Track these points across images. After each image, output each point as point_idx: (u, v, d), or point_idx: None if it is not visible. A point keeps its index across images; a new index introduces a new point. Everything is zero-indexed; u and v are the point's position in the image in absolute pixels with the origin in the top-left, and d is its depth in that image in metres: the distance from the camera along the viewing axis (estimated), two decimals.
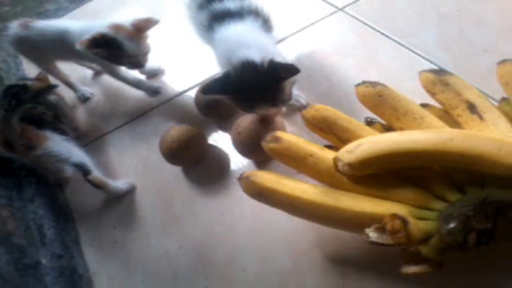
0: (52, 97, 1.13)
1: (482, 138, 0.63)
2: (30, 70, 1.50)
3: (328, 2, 1.26)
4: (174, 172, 1.05)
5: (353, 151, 0.69)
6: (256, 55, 0.85)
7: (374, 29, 1.15)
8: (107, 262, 0.96)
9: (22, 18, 1.25)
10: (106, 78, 1.34)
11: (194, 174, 1.04)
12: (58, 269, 0.92)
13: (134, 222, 1.00)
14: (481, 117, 0.73)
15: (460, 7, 1.08)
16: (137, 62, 1.13)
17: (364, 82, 0.81)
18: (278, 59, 0.87)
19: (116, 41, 1.07)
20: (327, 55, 1.14)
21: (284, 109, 1.01)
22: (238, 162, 1.00)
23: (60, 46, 1.17)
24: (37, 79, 1.15)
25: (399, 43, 1.08)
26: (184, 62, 1.33)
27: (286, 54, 1.15)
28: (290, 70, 0.82)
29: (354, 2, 1.23)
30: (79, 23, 1.16)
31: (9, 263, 0.84)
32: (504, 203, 0.60)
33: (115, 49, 1.07)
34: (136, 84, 1.27)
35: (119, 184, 1.06)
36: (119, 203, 1.05)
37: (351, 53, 1.12)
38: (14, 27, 1.22)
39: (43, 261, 0.92)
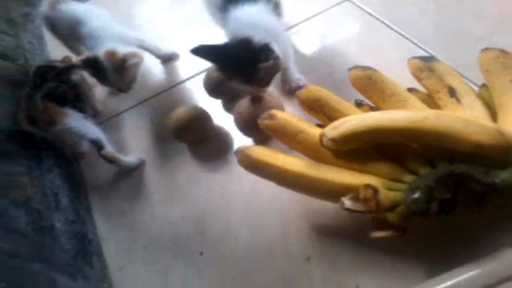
0: (74, 77, 1.21)
1: (452, 117, 0.68)
2: (55, 52, 1.58)
3: None
4: (180, 149, 1.13)
5: (336, 128, 0.75)
6: (258, 35, 0.92)
7: (377, 19, 1.19)
8: (114, 229, 1.04)
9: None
10: None
11: (199, 151, 1.11)
12: (70, 233, 1.00)
13: (142, 194, 1.07)
14: (459, 101, 0.78)
15: (459, 0, 1.12)
16: (118, 88, 1.20)
17: (356, 66, 0.87)
18: (284, 42, 0.95)
19: (103, 67, 1.13)
20: (332, 42, 1.20)
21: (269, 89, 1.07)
22: (240, 141, 1.07)
23: (73, 33, 1.25)
24: (62, 61, 1.22)
25: (399, 33, 1.13)
26: None
27: (294, 40, 1.22)
28: (265, 55, 0.89)
29: None
30: (97, 20, 1.24)
31: (27, 223, 0.92)
32: (466, 176, 0.65)
33: (100, 73, 1.15)
34: (153, 50, 1.36)
35: (130, 159, 1.13)
36: (129, 176, 1.13)
37: (354, 41, 1.17)
38: (44, 6, 1.30)
39: (57, 224, 1.00)
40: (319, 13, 1.30)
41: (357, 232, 0.77)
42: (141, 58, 1.17)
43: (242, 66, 0.92)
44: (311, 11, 1.31)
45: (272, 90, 1.12)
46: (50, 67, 1.15)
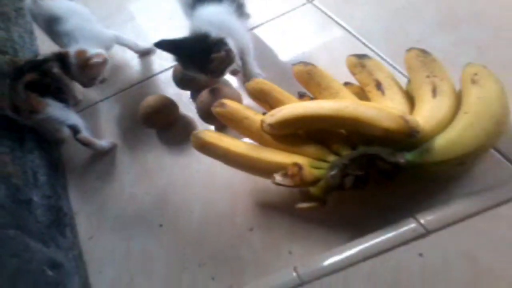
0: (55, 69, 1.31)
1: (368, 106, 0.80)
2: (43, 46, 1.70)
3: None
4: (149, 135, 1.24)
5: (273, 115, 0.87)
6: (215, 32, 1.04)
7: (333, 20, 1.30)
8: (87, 205, 1.15)
9: None
10: None
11: (166, 136, 1.22)
12: (46, 206, 1.11)
13: (113, 174, 1.19)
14: (383, 93, 0.89)
15: (405, 5, 1.23)
16: (81, 83, 1.31)
17: (299, 62, 0.97)
18: (241, 39, 1.07)
19: (69, 63, 1.23)
20: (290, 42, 1.31)
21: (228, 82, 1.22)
22: (202, 128, 1.18)
23: (49, 29, 1.35)
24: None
25: (351, 33, 1.23)
26: None
27: (259, 37, 1.33)
28: (217, 47, 1.01)
29: None
30: (74, 19, 1.32)
31: (7, 196, 1.03)
32: (375, 156, 0.77)
33: (66, 68, 1.25)
34: (130, 45, 1.48)
35: (103, 142, 1.25)
36: (103, 158, 1.24)
37: (311, 40, 1.28)
38: (28, 1, 1.39)
39: (35, 198, 1.11)
40: (283, 14, 1.40)
41: (293, 208, 0.87)
42: (105, 59, 1.26)
43: (197, 57, 1.04)
44: (277, 12, 1.42)
45: (231, 83, 1.24)
46: (32, 60, 1.26)
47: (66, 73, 1.26)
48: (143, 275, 0.97)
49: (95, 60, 1.23)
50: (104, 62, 1.26)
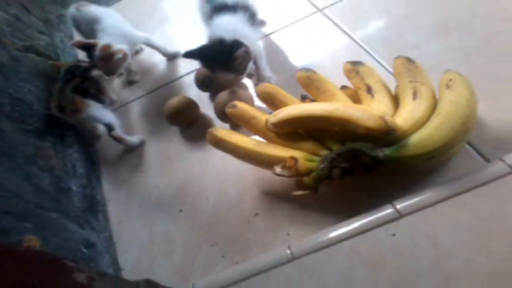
0: (94, 73, 1.49)
1: (355, 108, 0.92)
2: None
3: (311, 3, 1.55)
4: (173, 131, 1.39)
5: (276, 115, 1.01)
6: (228, 37, 1.18)
7: (339, 27, 1.42)
8: (117, 193, 1.32)
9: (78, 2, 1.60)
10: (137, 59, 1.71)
11: (188, 133, 1.37)
12: (82, 194, 1.27)
13: (141, 166, 1.35)
14: (372, 96, 1.01)
15: (406, 15, 1.34)
16: (104, 72, 1.46)
17: (302, 69, 1.10)
18: (252, 44, 1.21)
19: (93, 53, 1.40)
20: (300, 49, 1.43)
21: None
22: (220, 126, 1.32)
23: (91, 29, 1.52)
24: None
25: (354, 41, 1.35)
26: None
27: (272, 43, 1.47)
28: (236, 46, 1.15)
29: (330, 5, 1.52)
30: (110, 19, 1.51)
31: (51, 184, 1.19)
32: (358, 151, 0.90)
33: (90, 56, 1.42)
34: (159, 48, 1.63)
35: (133, 139, 1.41)
36: (133, 152, 1.40)
37: (318, 46, 1.40)
38: (72, 7, 1.59)
39: (73, 187, 1.27)
40: (296, 22, 1.53)
41: (298, 196, 1.01)
42: (125, 55, 1.43)
43: (221, 59, 1.18)
44: (290, 19, 1.55)
45: (247, 85, 1.38)
46: (77, 66, 1.43)
47: (91, 61, 1.43)
48: (163, 255, 1.12)
49: (117, 56, 1.39)
50: (124, 57, 1.42)
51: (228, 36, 1.18)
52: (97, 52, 1.39)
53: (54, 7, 2.13)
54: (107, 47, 1.39)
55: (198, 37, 1.25)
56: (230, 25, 1.24)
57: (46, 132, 1.34)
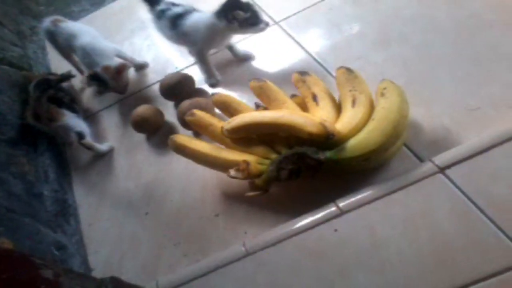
0: (66, 84, 1.57)
1: (298, 115, 1.02)
2: (54, 60, 1.95)
3: (269, 16, 1.65)
4: (140, 138, 1.48)
5: (230, 122, 1.10)
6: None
7: (294, 39, 1.52)
8: (88, 197, 1.39)
9: (53, 16, 1.66)
10: None
11: (153, 140, 1.46)
12: (54, 199, 1.35)
13: (110, 171, 1.43)
14: (317, 104, 1.11)
15: (352, 28, 1.44)
16: (119, 91, 1.56)
17: (254, 78, 1.19)
18: None
19: (103, 78, 1.48)
20: (258, 59, 1.54)
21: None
22: (183, 133, 1.40)
23: (69, 46, 1.60)
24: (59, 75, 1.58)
25: (307, 52, 1.45)
26: (158, 61, 1.76)
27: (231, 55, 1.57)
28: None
29: (286, 18, 1.62)
30: (87, 37, 1.57)
31: (22, 190, 1.26)
32: (302, 154, 0.99)
33: (102, 83, 1.50)
34: (128, 59, 1.69)
35: (103, 146, 1.48)
36: (102, 158, 1.48)
37: (274, 58, 1.50)
38: (47, 22, 1.64)
39: (45, 192, 1.35)
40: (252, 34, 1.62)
41: (249, 196, 1.09)
42: (129, 67, 1.54)
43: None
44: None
45: (209, 95, 1.47)
46: (47, 79, 1.51)
47: (104, 87, 1.52)
48: (131, 254, 1.21)
49: (124, 69, 1.49)
50: (127, 67, 1.53)
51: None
52: (103, 75, 1.48)
53: (27, 19, 2.19)
54: (107, 68, 1.47)
55: (165, 48, 1.32)
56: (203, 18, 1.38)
57: (19, 141, 1.42)
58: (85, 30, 1.63)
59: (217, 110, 1.31)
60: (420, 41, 1.29)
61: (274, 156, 1.05)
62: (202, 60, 1.49)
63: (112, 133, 1.56)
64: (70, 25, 1.64)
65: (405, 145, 1.07)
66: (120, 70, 1.48)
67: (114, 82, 1.50)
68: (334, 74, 1.25)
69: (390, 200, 0.96)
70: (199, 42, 1.44)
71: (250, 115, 1.08)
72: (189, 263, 1.11)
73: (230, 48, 1.54)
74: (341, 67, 1.13)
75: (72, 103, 1.52)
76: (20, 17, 2.16)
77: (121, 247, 1.23)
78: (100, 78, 1.48)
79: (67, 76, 1.52)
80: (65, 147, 1.58)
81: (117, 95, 1.61)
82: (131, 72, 1.71)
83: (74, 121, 1.45)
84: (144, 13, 1.86)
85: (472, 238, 0.85)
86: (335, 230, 0.96)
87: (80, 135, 1.43)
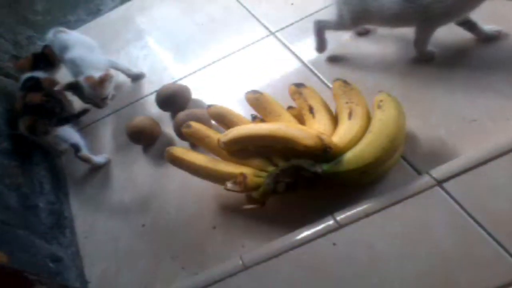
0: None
1: (295, 128, 1.02)
2: None
3: (265, 27, 1.65)
4: (136, 149, 1.47)
5: (227, 135, 1.09)
6: None
7: (288, 49, 1.52)
8: (84, 209, 1.39)
9: (51, 27, 1.64)
10: None
11: (150, 151, 1.45)
12: (50, 211, 1.34)
13: (106, 183, 1.42)
14: (314, 116, 1.10)
15: (350, 38, 1.46)
16: (95, 103, 1.49)
17: (250, 91, 1.19)
18: None
19: (82, 88, 1.44)
20: (254, 71, 1.54)
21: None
22: (180, 144, 1.40)
23: (61, 57, 1.58)
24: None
25: (303, 63, 1.45)
26: (154, 71, 1.75)
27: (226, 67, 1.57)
28: None
29: (282, 29, 1.62)
30: (80, 49, 1.54)
31: (18, 203, 1.25)
32: (299, 167, 0.99)
33: (80, 93, 1.46)
34: (124, 70, 1.69)
35: (99, 158, 1.47)
36: (98, 170, 1.47)
37: (270, 69, 1.50)
38: (51, 32, 1.62)
39: (41, 204, 1.34)
40: (251, 44, 1.63)
41: (246, 209, 1.08)
42: (110, 76, 1.48)
43: None
44: (243, 43, 1.65)
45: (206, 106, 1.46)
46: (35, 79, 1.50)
47: (81, 97, 1.47)
48: (127, 267, 1.20)
49: (106, 78, 1.44)
50: (110, 78, 1.47)
51: None
52: (84, 84, 1.43)
53: (23, 28, 2.18)
54: (90, 78, 1.43)
55: (162, 58, 1.31)
56: None
57: (13, 152, 1.40)
58: (82, 41, 1.60)
59: (214, 122, 1.31)
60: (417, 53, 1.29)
61: (271, 168, 1.04)
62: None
63: (108, 144, 1.55)
64: (65, 37, 1.60)
65: (403, 157, 1.07)
66: (102, 80, 1.43)
67: (95, 93, 1.45)
68: (330, 85, 1.26)
69: (388, 213, 0.95)
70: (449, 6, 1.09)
71: (247, 128, 1.08)
72: (186, 276, 1.11)
73: (471, 25, 1.22)
74: (338, 79, 1.13)
75: (63, 112, 1.49)
76: (17, 27, 2.14)
77: (117, 260, 1.22)
78: (78, 88, 1.45)
79: (69, 86, 1.48)
80: (58, 155, 1.57)
81: (113, 105, 1.60)
82: (126, 83, 1.72)
83: (68, 133, 1.45)
84: (141, 23, 1.87)
85: (470, 252, 0.85)
86: (334, 244, 0.95)
87: (76, 148, 1.42)
